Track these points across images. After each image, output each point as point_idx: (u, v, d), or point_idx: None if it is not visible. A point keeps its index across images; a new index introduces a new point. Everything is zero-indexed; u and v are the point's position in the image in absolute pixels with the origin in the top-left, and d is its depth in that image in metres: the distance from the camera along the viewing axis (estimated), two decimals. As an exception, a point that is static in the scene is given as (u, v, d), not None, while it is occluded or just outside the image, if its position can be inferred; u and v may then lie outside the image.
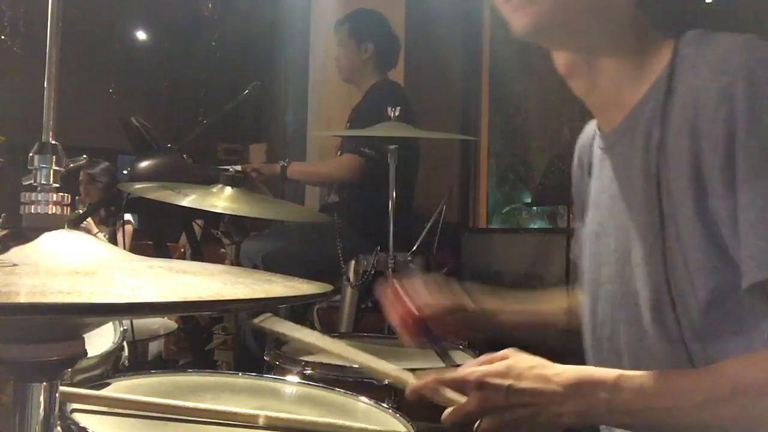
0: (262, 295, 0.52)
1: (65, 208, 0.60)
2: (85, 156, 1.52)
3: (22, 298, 0.43)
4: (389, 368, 1.01)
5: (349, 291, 2.50)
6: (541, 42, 0.94)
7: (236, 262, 2.03)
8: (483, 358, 0.91)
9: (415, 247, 2.52)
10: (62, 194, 0.60)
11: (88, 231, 3.47)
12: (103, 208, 3.53)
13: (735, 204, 0.78)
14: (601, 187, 0.99)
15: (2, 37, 5.77)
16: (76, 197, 4.19)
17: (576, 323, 1.11)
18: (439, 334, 1.17)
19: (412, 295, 1.14)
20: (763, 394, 0.76)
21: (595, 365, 0.97)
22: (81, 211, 2.67)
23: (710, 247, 0.81)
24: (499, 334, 1.18)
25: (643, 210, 0.88)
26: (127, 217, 3.82)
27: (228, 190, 1.77)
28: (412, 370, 1.37)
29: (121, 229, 2.23)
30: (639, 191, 0.89)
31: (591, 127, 1.09)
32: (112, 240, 2.21)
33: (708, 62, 0.81)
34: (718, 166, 0.78)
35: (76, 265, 0.54)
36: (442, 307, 1.14)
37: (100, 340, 1.25)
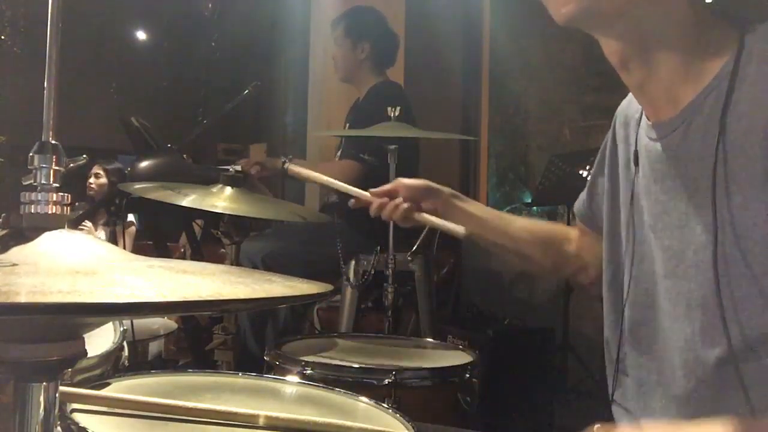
0: (262, 295, 0.52)
1: (65, 207, 0.60)
2: (85, 156, 1.51)
3: (23, 298, 0.43)
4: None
5: (349, 291, 2.50)
6: (588, 30, 0.88)
7: (236, 262, 2.03)
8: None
9: (415, 247, 2.52)
10: (62, 194, 0.60)
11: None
12: (103, 208, 3.52)
13: None
14: (652, 178, 0.94)
15: (2, 37, 5.77)
16: (76, 203, 4.18)
17: (522, 254, 1.25)
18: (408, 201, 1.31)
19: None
20: None
21: (620, 348, 0.97)
22: (81, 212, 2.67)
23: None
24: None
25: (700, 210, 0.84)
26: (130, 218, 3.82)
27: (228, 190, 1.77)
28: (418, 369, 1.37)
29: (122, 230, 2.23)
30: (696, 191, 0.84)
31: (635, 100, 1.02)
32: (112, 241, 2.20)
33: None
34: None
35: (76, 264, 0.54)
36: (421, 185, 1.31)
37: (100, 340, 1.25)
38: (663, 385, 0.94)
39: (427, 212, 1.31)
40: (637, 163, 0.98)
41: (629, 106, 1.05)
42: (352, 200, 1.37)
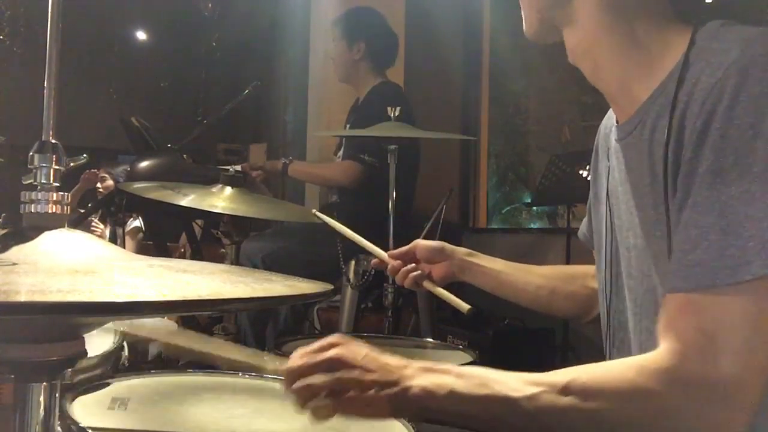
0: (262, 294, 0.52)
1: (65, 207, 0.60)
2: (85, 155, 1.50)
3: (22, 297, 0.43)
4: None
5: (349, 291, 2.50)
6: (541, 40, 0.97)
7: (236, 262, 2.03)
8: None
9: (415, 247, 2.51)
10: (62, 193, 0.60)
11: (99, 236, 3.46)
12: (103, 208, 3.51)
13: (683, 202, 0.75)
14: (619, 179, 0.95)
15: (2, 37, 5.77)
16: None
17: (543, 303, 1.27)
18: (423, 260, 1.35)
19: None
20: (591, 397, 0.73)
21: (611, 355, 0.98)
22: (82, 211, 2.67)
23: None
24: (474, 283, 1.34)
25: (651, 209, 0.84)
26: (137, 224, 3.82)
27: (228, 190, 1.77)
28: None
29: (123, 233, 2.23)
30: (646, 189, 0.85)
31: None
32: (114, 242, 2.20)
33: (712, 55, 0.77)
34: (686, 161, 0.75)
35: (75, 264, 0.54)
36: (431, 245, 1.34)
37: (100, 340, 1.25)
38: None
39: (444, 272, 1.33)
40: (609, 160, 1.00)
41: (609, 117, 1.07)
42: (374, 260, 1.40)
